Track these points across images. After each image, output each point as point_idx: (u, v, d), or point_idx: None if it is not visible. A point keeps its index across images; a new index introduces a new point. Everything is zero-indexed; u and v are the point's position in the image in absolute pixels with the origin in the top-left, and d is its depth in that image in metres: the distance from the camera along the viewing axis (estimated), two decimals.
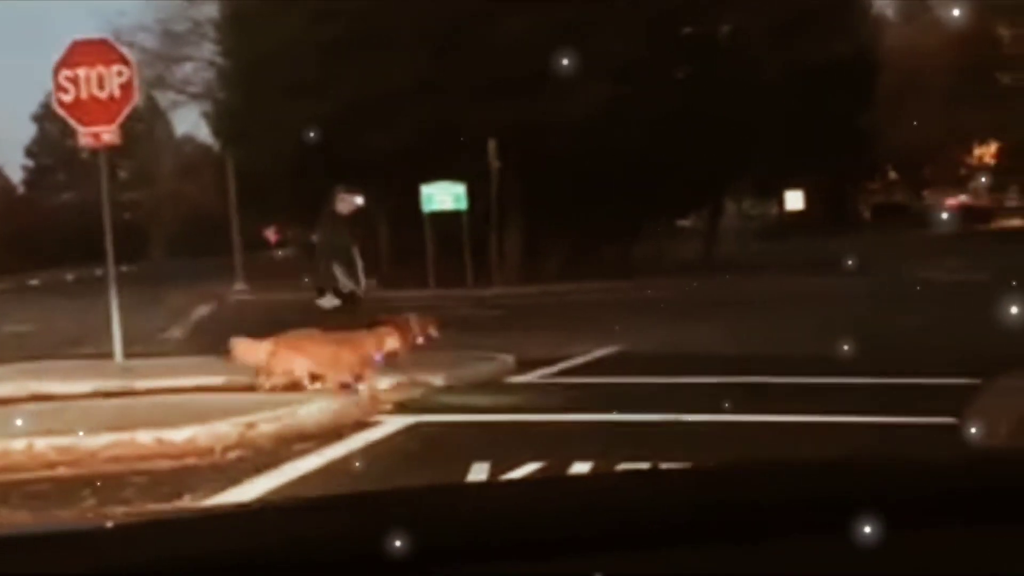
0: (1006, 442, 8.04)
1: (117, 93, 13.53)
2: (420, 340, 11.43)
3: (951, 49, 54.91)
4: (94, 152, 14.25)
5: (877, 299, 21.45)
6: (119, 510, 6.04)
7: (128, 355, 13.62)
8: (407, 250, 33.85)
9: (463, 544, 1.40)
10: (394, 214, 35.26)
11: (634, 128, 29.99)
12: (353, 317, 11.47)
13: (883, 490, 1.51)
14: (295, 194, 37.76)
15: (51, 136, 75.26)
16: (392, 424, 9.62)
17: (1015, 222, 56.57)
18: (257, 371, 10.99)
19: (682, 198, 38.70)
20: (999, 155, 59.74)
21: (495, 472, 7.32)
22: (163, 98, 50.53)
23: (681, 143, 31.37)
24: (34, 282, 47.27)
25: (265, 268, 42.56)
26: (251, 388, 11.10)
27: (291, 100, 31.44)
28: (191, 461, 8.40)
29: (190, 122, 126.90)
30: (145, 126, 63.51)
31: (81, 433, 8.78)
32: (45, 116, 72.46)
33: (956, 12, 57.65)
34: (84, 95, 13.40)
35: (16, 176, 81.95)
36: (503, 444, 8.48)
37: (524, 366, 12.92)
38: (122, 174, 70.53)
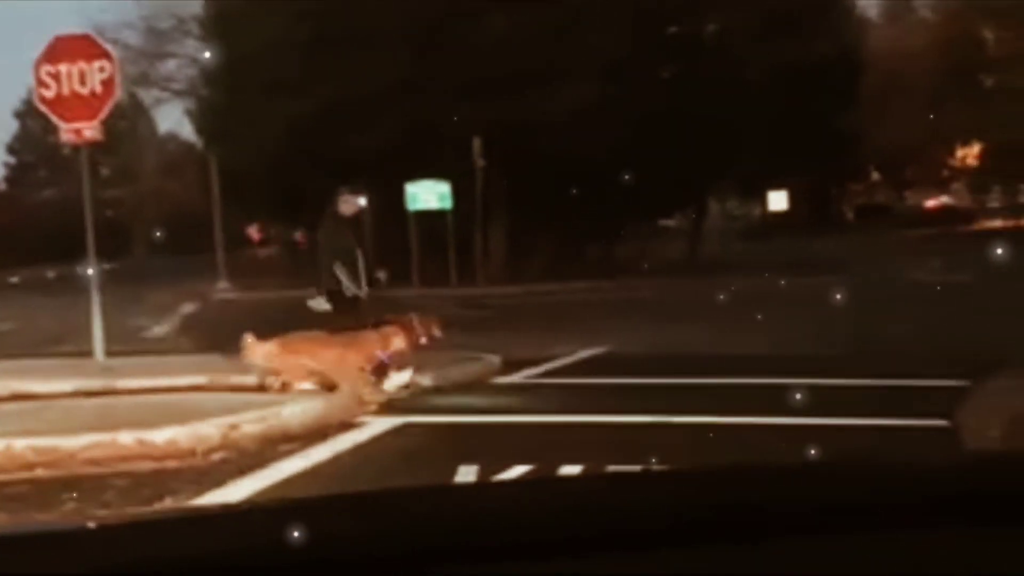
0: (999, 444, 7.98)
1: (99, 89, 13.38)
2: (424, 340, 11.33)
3: (934, 50, 55.05)
4: (76, 149, 14.09)
5: (862, 300, 21.39)
6: (102, 512, 5.92)
7: (110, 354, 13.46)
8: (391, 249, 33.67)
9: (453, 545, 1.39)
10: (378, 213, 35.09)
11: (619, 127, 29.93)
12: (356, 318, 11.35)
13: (876, 492, 1.51)
14: (278, 192, 37.64)
15: (33, 133, 74.84)
16: (378, 425, 9.49)
17: (997, 223, 56.74)
18: (264, 371, 10.82)
19: (666, 198, 38.66)
20: (982, 156, 59.92)
21: (483, 475, 7.22)
22: (146, 95, 50.34)
23: (665, 143, 31.32)
24: (15, 279, 46.93)
25: (248, 266, 42.41)
26: (233, 388, 10.97)
27: (275, 98, 31.29)
28: (173, 463, 8.26)
29: (173, 120, 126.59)
30: (128, 123, 63.17)
31: (61, 433, 8.64)
32: (27, 112, 72.06)
33: (939, 14, 57.90)
34: (66, 91, 13.24)
35: None
36: (490, 446, 8.37)
37: (510, 366, 12.82)
38: (105, 171, 70.14)
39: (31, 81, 13.54)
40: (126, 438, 8.61)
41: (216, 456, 8.44)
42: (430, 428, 9.55)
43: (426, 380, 11.55)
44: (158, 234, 68.30)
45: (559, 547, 1.39)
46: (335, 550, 1.37)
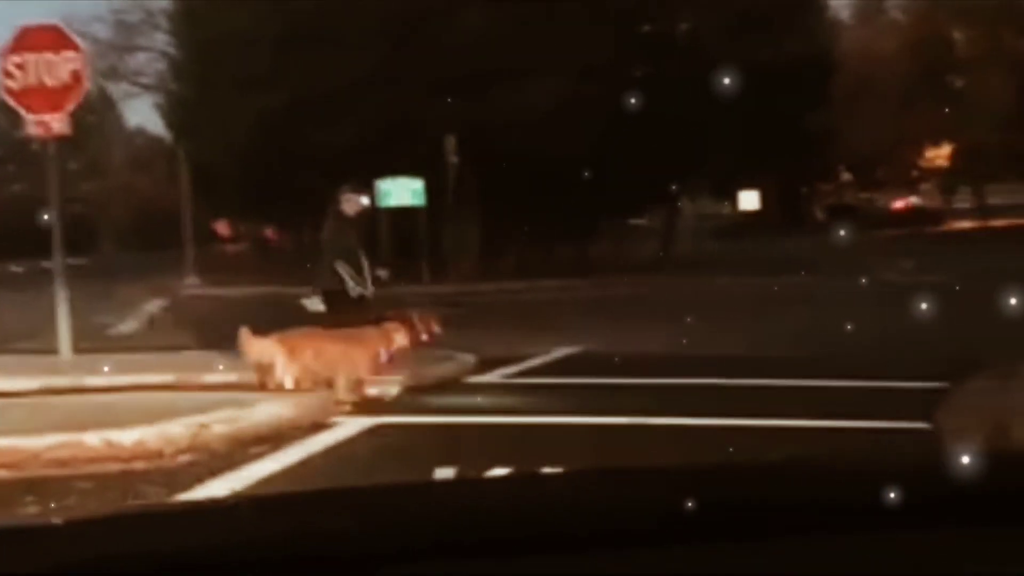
0: (981, 446, 7.88)
1: (67, 81, 13.14)
2: (424, 337, 11.14)
3: (905, 51, 55.26)
4: (44, 142, 13.82)
5: (835, 300, 21.39)
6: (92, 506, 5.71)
7: (76, 351, 13.22)
8: (364, 246, 33.46)
9: (440, 541, 1.39)
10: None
11: (591, 126, 29.85)
12: (360, 317, 11.15)
13: (862, 492, 1.49)
14: (248, 188, 37.37)
15: (1, 127, 74.04)
16: (351, 426, 9.29)
17: (966, 224, 57.02)
18: (263, 369, 10.61)
19: (638, 197, 38.60)
20: (951, 157, 60.19)
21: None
22: (115, 89, 49.96)
23: (638, 141, 31.25)
24: None
25: (217, 262, 42.08)
26: (203, 386, 10.76)
27: (245, 93, 31.05)
28: (140, 464, 8.04)
29: (142, 114, 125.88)
30: (96, 117, 62.62)
31: (25, 433, 8.41)
32: None
33: (910, 15, 58.14)
34: (32, 82, 12.99)
35: None
36: (467, 448, 8.21)
37: (485, 365, 12.65)
38: (73, 166, 69.41)
39: None
40: (92, 438, 8.38)
41: (185, 458, 8.23)
42: (404, 429, 9.36)
43: (399, 379, 11.34)
44: (126, 230, 67.81)
45: (539, 544, 1.39)
46: (318, 545, 1.37)
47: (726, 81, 33.49)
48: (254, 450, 8.40)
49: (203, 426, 8.76)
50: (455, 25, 29.22)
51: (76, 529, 1.47)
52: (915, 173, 66.07)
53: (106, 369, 12.13)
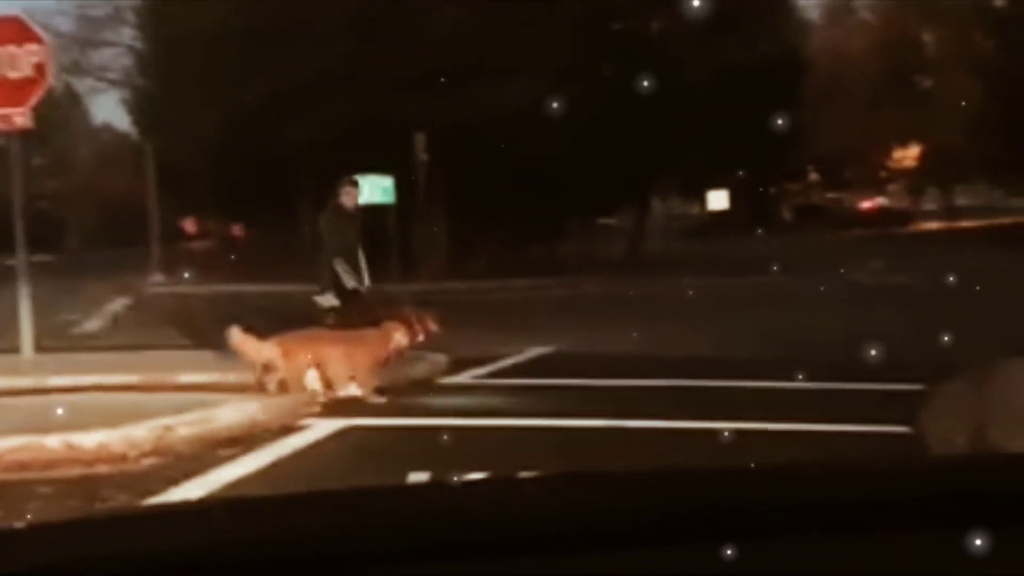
0: (965, 450, 7.77)
1: (30, 74, 12.86)
2: (421, 336, 10.93)
3: (874, 52, 55.49)
4: (6, 137, 13.52)
5: (805, 301, 21.37)
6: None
7: (39, 350, 12.94)
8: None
9: (415, 544, 1.38)
10: (318, 206, 34.61)
11: (561, 125, 29.74)
12: (356, 314, 10.91)
13: (850, 494, 1.51)
14: (216, 185, 37.10)
15: None
16: (321, 428, 9.06)
17: (932, 225, 57.30)
18: (261, 370, 10.34)
19: (608, 196, 38.55)
20: (919, 158, 60.49)
21: None
22: (81, 85, 49.48)
23: (608, 141, 31.19)
24: None
25: (184, 260, 41.66)
26: (168, 387, 10.52)
27: (213, 89, 30.79)
28: (103, 468, 7.77)
29: (108, 110, 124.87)
30: (62, 113, 61.99)
31: None
32: None
33: (879, 16, 58.37)
34: None
35: None
36: (439, 452, 8.00)
37: (457, 366, 12.44)
38: (38, 162, 68.83)
39: None
40: (53, 441, 8.11)
41: (149, 461, 7.97)
42: (375, 431, 9.15)
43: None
44: (92, 227, 67.20)
45: (516, 547, 1.39)
46: (291, 548, 1.36)
47: (697, 81, 33.61)
48: (222, 453, 8.16)
49: (168, 428, 8.52)
50: (426, 22, 29.05)
51: (43, 533, 1.47)
52: (883, 174, 66.37)
53: (69, 369, 11.85)
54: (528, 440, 8.64)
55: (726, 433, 7.87)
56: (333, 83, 28.77)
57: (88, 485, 7.33)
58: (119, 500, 6.85)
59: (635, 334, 16.13)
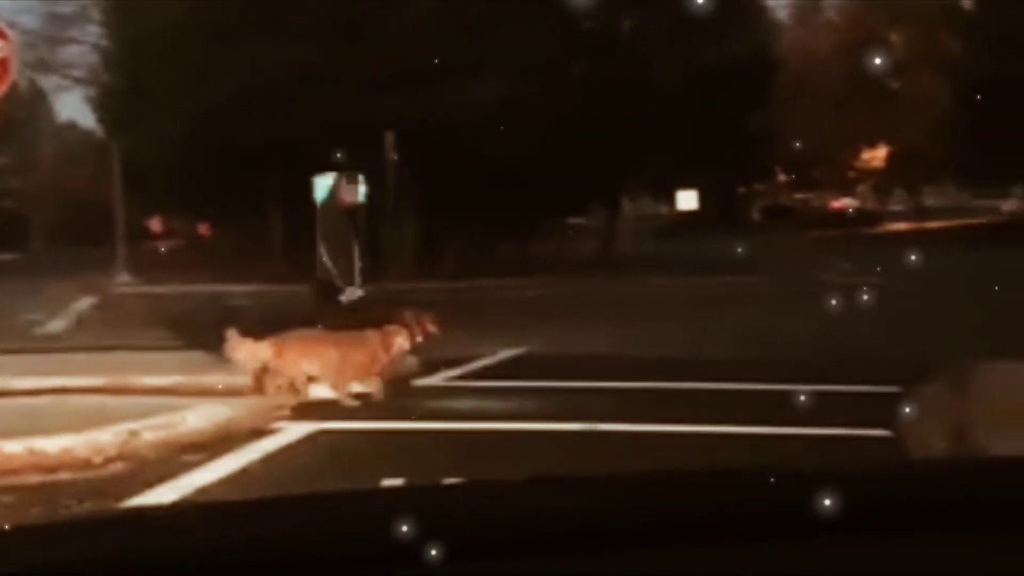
0: (946, 453, 7.68)
1: None
2: (419, 338, 10.72)
3: (842, 52, 55.62)
4: None
5: (777, 301, 21.33)
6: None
7: (0, 351, 12.65)
8: (300, 243, 32.97)
9: (389, 548, 1.37)
10: (287, 205, 34.36)
11: (532, 124, 29.67)
12: (343, 314, 10.68)
13: (837, 500, 1.47)
14: (183, 183, 36.79)
15: None
16: (291, 432, 8.86)
17: (900, 225, 57.55)
18: (259, 373, 10.10)
19: (578, 196, 38.48)
20: (887, 159, 60.74)
21: None
22: (46, 81, 48.96)
23: (578, 141, 31.12)
24: None
25: (150, 259, 41.27)
26: (134, 390, 10.29)
27: (180, 87, 30.52)
28: (66, 475, 7.54)
29: (74, 108, 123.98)
30: (26, 111, 61.34)
31: None
32: None
33: (846, 16, 58.58)
34: None
35: None
36: (413, 457, 7.84)
37: (428, 367, 12.24)
38: (1, 160, 68.19)
39: None
40: (14, 446, 7.88)
41: (115, 467, 7.74)
42: (346, 435, 8.95)
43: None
44: (57, 225, 66.60)
45: (489, 551, 1.39)
46: (262, 552, 1.36)
47: (666, 81, 33.60)
48: (189, 458, 7.95)
49: (134, 433, 8.30)
50: (396, 19, 28.87)
51: (13, 536, 1.46)
52: (851, 174, 66.62)
53: (31, 371, 11.57)
54: (502, 444, 8.49)
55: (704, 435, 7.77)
56: (301, 81, 28.55)
57: (51, 492, 7.12)
58: (83, 508, 6.64)
59: (608, 335, 16.02)
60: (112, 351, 14.03)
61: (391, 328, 10.51)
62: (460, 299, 24.30)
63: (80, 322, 20.86)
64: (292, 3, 28.76)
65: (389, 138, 29.80)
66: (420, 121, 28.46)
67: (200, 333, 16.41)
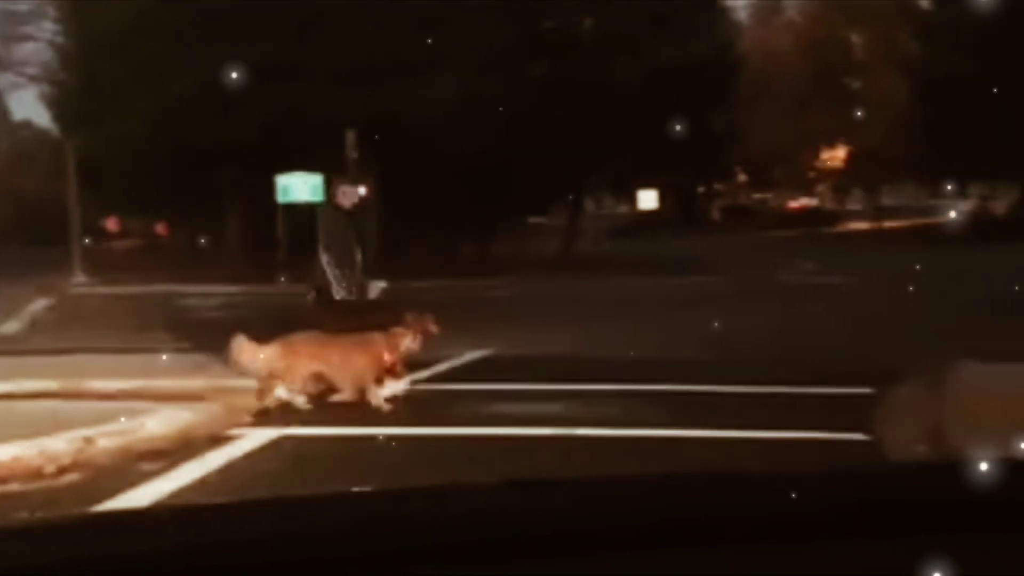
0: (925, 456, 7.53)
1: None
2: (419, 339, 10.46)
3: (802, 53, 55.87)
4: None
5: (739, 301, 21.25)
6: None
7: None
8: (260, 243, 32.64)
9: (362, 552, 1.38)
10: (245, 205, 34.02)
11: (493, 123, 29.54)
12: (343, 319, 10.38)
13: (821, 501, 1.51)
14: (139, 182, 36.40)
15: None
16: (253, 438, 8.57)
17: (859, 225, 57.85)
18: (263, 377, 9.81)
19: (540, 195, 38.38)
20: (846, 159, 61.03)
21: None
22: (0, 79, 48.25)
23: (539, 139, 31.02)
24: None
25: (107, 259, 40.77)
26: (89, 395, 9.97)
27: (137, 84, 30.19)
28: (15, 486, 7.19)
29: (28, 106, 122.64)
30: None
31: None
32: None
33: (807, 16, 58.82)
34: None
35: None
36: (380, 463, 7.59)
37: None
38: None
39: None
40: None
41: (69, 477, 7.42)
42: (311, 442, 8.67)
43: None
44: (11, 225, 65.67)
45: (459, 555, 1.38)
46: (240, 556, 1.36)
47: (627, 80, 33.52)
48: (147, 467, 7.64)
49: (89, 440, 7.98)
50: (356, 17, 28.62)
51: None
52: (811, 174, 66.93)
53: None
54: (473, 450, 8.26)
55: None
56: (259, 79, 28.22)
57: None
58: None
59: (573, 336, 15.86)
60: (67, 354, 13.66)
61: (397, 330, 10.24)
62: (422, 299, 24.01)
63: (34, 324, 20.43)
64: (249, 0, 28.42)
65: (350, 137, 29.53)
66: (382, 120, 28.23)
67: (158, 335, 16.11)
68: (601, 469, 7.32)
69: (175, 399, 9.65)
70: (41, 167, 60.81)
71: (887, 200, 59.65)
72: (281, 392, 9.88)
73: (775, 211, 67.04)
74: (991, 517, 1.48)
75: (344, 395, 9.95)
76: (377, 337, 10.10)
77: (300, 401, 9.79)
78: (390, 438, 8.47)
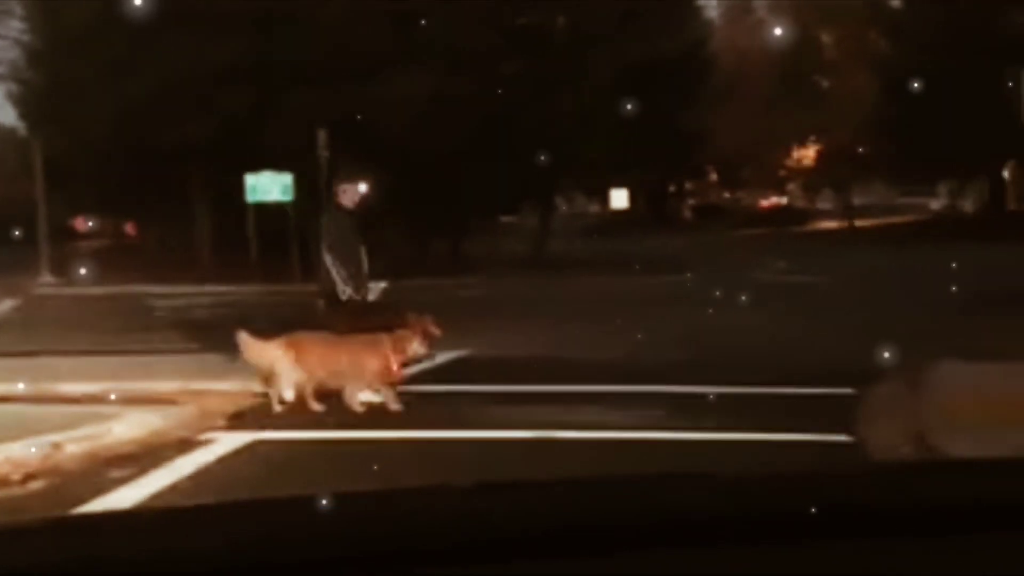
0: (908, 456, 7.46)
1: None
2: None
3: (773, 52, 55.97)
4: None
5: (713, 301, 21.17)
6: None
7: None
8: (230, 243, 32.38)
9: (341, 554, 1.37)
10: (216, 204, 33.76)
11: (464, 122, 29.42)
12: (348, 321, 10.19)
13: (801, 504, 1.49)
14: (108, 181, 36.09)
15: None
16: (226, 443, 8.38)
17: (830, 224, 58.06)
18: (266, 375, 9.61)
19: (511, 194, 38.26)
20: (817, 157, 61.23)
21: None
22: None
23: (509, 138, 30.93)
24: None
25: (74, 259, 40.34)
26: (57, 399, 9.76)
27: (104, 83, 29.87)
28: None
29: None
30: None
31: None
32: None
33: (777, 15, 58.96)
34: None
35: None
36: (356, 469, 7.42)
37: None
38: None
39: None
40: None
41: (36, 484, 7.22)
42: (285, 446, 8.49)
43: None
44: None
45: (434, 557, 1.38)
46: (220, 560, 1.35)
47: (599, 79, 33.47)
48: (116, 473, 7.44)
49: (57, 446, 7.79)
50: (325, 14, 28.42)
51: None
52: (782, 173, 67.10)
53: None
54: (449, 454, 8.12)
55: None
56: (229, 77, 28.00)
57: None
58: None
59: (547, 336, 15.75)
60: (34, 356, 13.41)
61: (403, 332, 10.07)
62: (394, 299, 23.88)
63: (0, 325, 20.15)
64: None
65: (321, 135, 29.32)
66: (352, 118, 28.04)
67: (128, 336, 15.88)
68: (579, 473, 7.19)
69: (146, 402, 9.46)
70: (8, 166, 60.20)
71: (857, 199, 59.90)
72: (289, 394, 9.70)
73: (746, 210, 67.20)
74: (976, 517, 1.49)
75: (348, 398, 9.77)
76: (383, 338, 9.94)
77: (287, 398, 9.61)
78: (367, 441, 8.31)
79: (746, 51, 57.80)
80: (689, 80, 44.81)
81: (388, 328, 10.07)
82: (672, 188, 66.27)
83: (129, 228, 53.33)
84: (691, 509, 1.52)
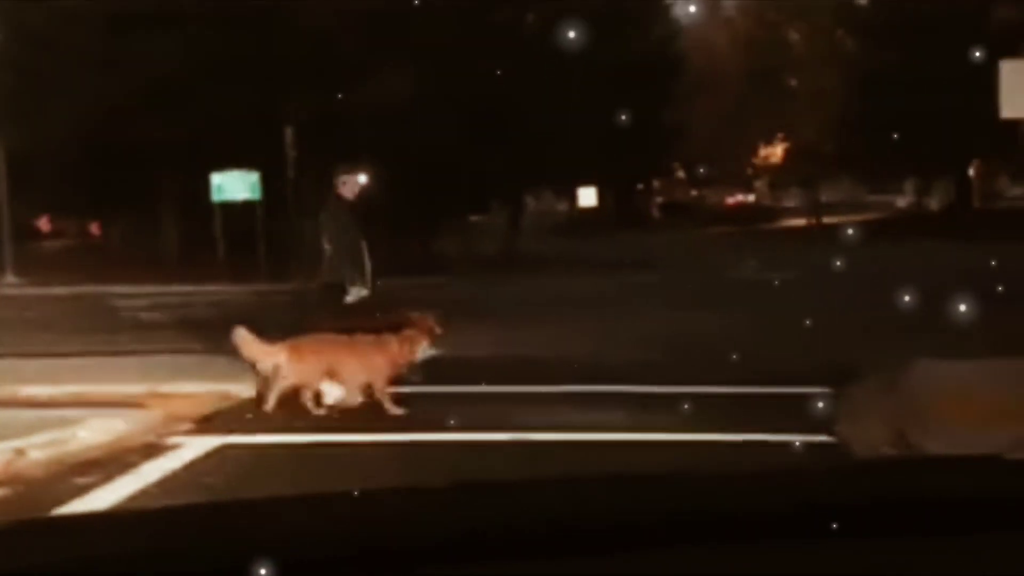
0: (889, 454, 7.41)
1: None
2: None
3: (742, 51, 56.17)
4: None
5: (683, 299, 21.15)
6: None
7: None
8: (197, 242, 32.10)
9: (325, 554, 1.36)
10: (183, 203, 33.48)
11: (434, 120, 29.33)
12: (352, 317, 10.00)
13: (787, 503, 1.50)
14: (73, 180, 35.73)
15: None
16: (193, 448, 8.19)
17: (796, 221, 58.35)
18: (269, 376, 9.41)
19: (481, 193, 38.19)
20: (784, 155, 61.46)
21: None
22: None
23: (479, 137, 30.87)
24: None
25: (39, 259, 39.93)
26: (18, 402, 9.55)
27: (69, 81, 29.52)
28: None
29: None
30: None
31: None
32: None
33: (745, 15, 59.14)
34: None
35: None
36: (328, 473, 7.28)
37: None
38: None
39: None
40: None
41: None
42: (254, 451, 8.30)
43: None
44: None
45: (415, 557, 1.38)
46: (201, 562, 1.35)
47: (568, 78, 33.45)
48: (81, 480, 7.24)
49: (20, 452, 7.59)
50: (295, 13, 28.25)
51: None
52: (749, 170, 67.35)
53: None
54: (424, 458, 7.99)
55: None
56: (196, 75, 27.76)
57: None
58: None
59: (521, 335, 15.65)
60: None
61: (409, 332, 9.91)
62: (363, 298, 23.71)
63: None
64: None
65: (289, 134, 29.14)
66: (321, 117, 27.91)
67: (93, 337, 15.63)
68: (555, 474, 7.07)
69: (112, 406, 9.26)
70: None
71: (825, 196, 60.20)
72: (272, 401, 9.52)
73: (713, 208, 67.41)
74: (960, 515, 1.49)
75: (351, 400, 9.60)
76: (389, 339, 9.78)
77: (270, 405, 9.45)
78: (338, 445, 8.16)
79: (714, 49, 57.98)
80: (657, 79, 44.90)
81: (390, 326, 9.93)
82: (640, 186, 66.35)
83: (94, 228, 52.82)
84: (672, 508, 1.50)
